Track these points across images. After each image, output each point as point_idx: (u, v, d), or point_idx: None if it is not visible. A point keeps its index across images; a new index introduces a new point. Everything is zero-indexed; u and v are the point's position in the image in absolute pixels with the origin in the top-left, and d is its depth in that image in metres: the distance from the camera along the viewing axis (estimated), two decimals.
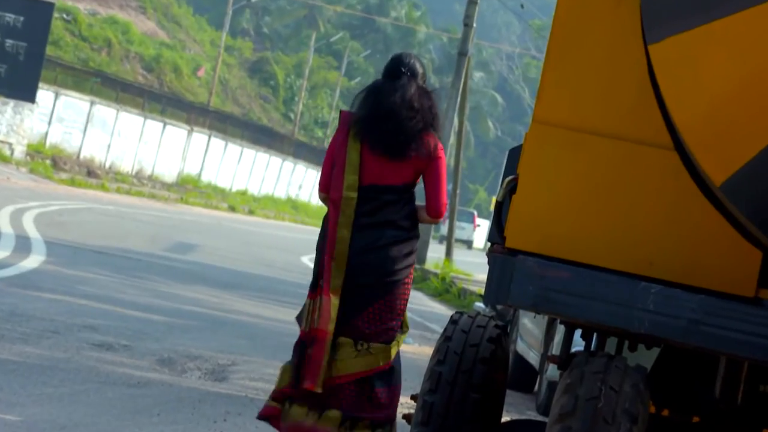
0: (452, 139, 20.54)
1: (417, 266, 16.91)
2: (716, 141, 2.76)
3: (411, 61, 3.83)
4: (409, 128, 3.70)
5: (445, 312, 12.88)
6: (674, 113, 2.78)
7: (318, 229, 3.92)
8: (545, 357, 6.48)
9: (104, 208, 18.46)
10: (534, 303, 2.83)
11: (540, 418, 6.22)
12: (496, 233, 2.98)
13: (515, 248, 2.88)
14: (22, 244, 10.05)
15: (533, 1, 31.84)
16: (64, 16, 32.43)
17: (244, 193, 35.11)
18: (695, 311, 2.77)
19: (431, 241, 21.72)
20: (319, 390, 3.70)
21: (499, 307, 7.94)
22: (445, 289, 15.62)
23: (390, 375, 3.78)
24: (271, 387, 5.60)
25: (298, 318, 3.85)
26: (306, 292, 3.87)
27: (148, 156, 29.58)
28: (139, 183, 27.96)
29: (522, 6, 18.47)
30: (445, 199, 3.77)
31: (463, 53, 18.92)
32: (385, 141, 3.70)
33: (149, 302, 8.11)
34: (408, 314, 3.89)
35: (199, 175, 32.66)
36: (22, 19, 22.27)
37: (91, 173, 25.58)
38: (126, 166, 28.55)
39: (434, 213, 3.76)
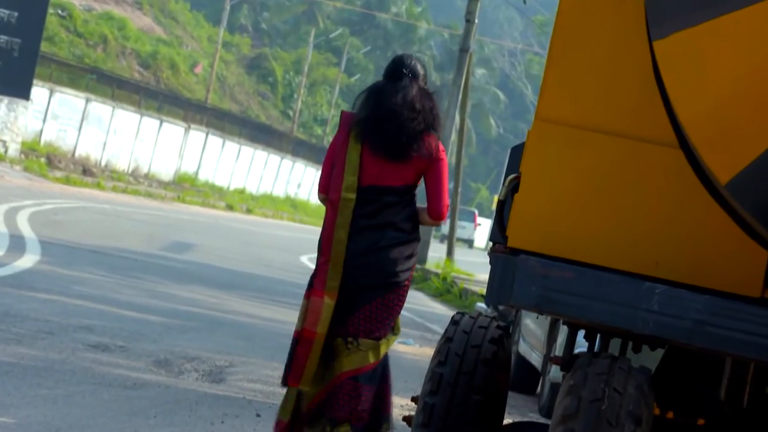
0: (453, 137, 20.53)
1: (418, 266, 16.91)
2: (722, 139, 2.73)
3: (412, 63, 3.84)
4: (411, 129, 3.71)
5: (446, 312, 12.86)
6: (679, 110, 2.76)
7: (317, 229, 3.91)
8: (548, 358, 6.46)
9: (100, 207, 18.43)
10: (536, 303, 2.82)
11: (542, 420, 6.20)
12: (498, 232, 2.96)
13: (517, 248, 2.87)
14: (17, 244, 10.01)
15: None
16: (59, 11, 32.33)
17: (242, 191, 35.09)
18: (700, 312, 2.76)
19: (432, 240, 21.70)
20: (304, 388, 3.69)
21: (501, 307, 7.92)
22: (446, 290, 15.59)
23: (374, 373, 3.76)
24: (270, 389, 5.59)
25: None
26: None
27: (145, 154, 29.54)
28: (136, 181, 27.91)
29: (524, 1, 18.41)
30: (446, 201, 3.78)
31: (464, 49, 18.86)
32: (386, 142, 3.71)
33: (145, 302, 8.07)
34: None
35: (197, 173, 32.63)
36: (16, 14, 22.15)
37: (86, 171, 25.51)
38: (122, 164, 28.50)
39: (435, 215, 3.77)
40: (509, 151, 3.13)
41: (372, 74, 49.54)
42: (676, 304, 2.75)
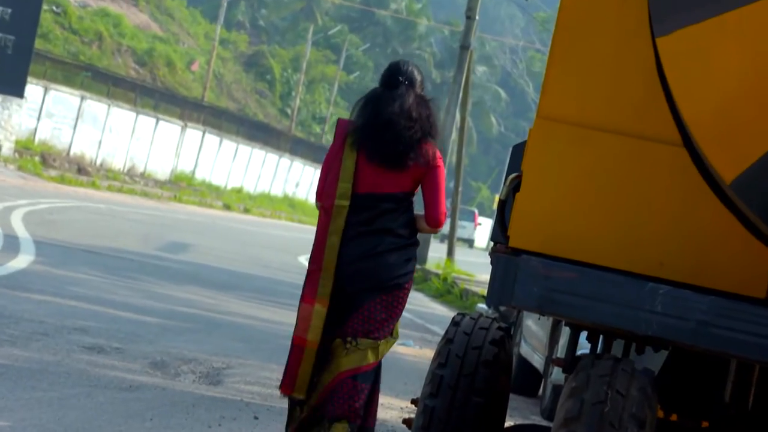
0: (454, 136, 20.47)
1: (418, 266, 16.86)
2: (726, 137, 2.70)
3: (409, 69, 3.83)
4: (407, 138, 3.72)
5: (446, 313, 12.83)
6: (683, 108, 2.73)
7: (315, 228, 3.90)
8: (550, 360, 6.43)
9: (95, 207, 18.38)
10: (538, 304, 2.80)
11: (544, 422, 6.17)
12: (500, 232, 2.93)
13: (519, 248, 2.85)
14: (11, 244, 9.96)
15: None
16: (54, 8, 32.21)
17: (239, 191, 35.05)
18: (704, 313, 2.73)
19: (432, 240, 21.67)
20: (298, 396, 3.69)
21: (502, 308, 7.89)
22: (446, 290, 15.56)
23: (372, 374, 3.75)
24: (268, 391, 5.55)
25: None
26: None
27: (141, 153, 29.47)
28: (131, 180, 27.85)
29: None
30: (444, 208, 3.80)
31: (465, 47, 18.81)
32: (383, 151, 3.73)
33: (142, 303, 8.03)
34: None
35: (193, 172, 32.58)
36: (9, 11, 22.04)
37: (81, 170, 25.42)
38: (117, 163, 28.43)
39: (433, 222, 3.79)
40: (510, 149, 3.10)
41: (371, 72, 49.45)
42: (680, 305, 2.73)
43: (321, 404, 3.70)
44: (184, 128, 31.54)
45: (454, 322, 3.27)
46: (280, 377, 3.83)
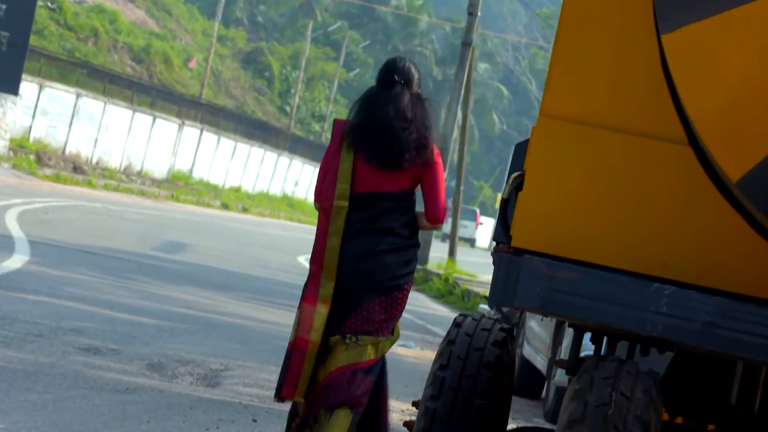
0: (456, 134, 20.45)
1: (419, 267, 16.80)
2: (732, 135, 2.67)
3: (405, 66, 3.80)
4: (403, 139, 3.72)
5: (448, 314, 12.76)
6: (688, 106, 2.70)
7: (315, 228, 3.87)
8: (553, 361, 6.38)
9: (91, 206, 18.33)
10: (541, 305, 2.79)
11: (547, 425, 6.16)
12: (502, 232, 2.90)
13: (521, 248, 2.84)
14: (5, 244, 9.92)
15: None
16: (49, 4, 32.11)
17: (237, 190, 34.99)
18: (710, 314, 2.71)
19: (434, 240, 21.60)
20: (299, 400, 3.66)
21: (504, 309, 7.85)
22: (448, 291, 15.51)
23: (374, 367, 3.72)
24: (267, 393, 5.50)
25: None
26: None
27: (137, 151, 29.40)
28: (128, 179, 27.79)
29: None
30: (443, 204, 3.80)
31: (467, 43, 18.78)
32: (379, 152, 3.73)
33: (138, 304, 7.99)
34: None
35: (191, 171, 32.52)
36: (4, 7, 21.94)
37: (77, 169, 25.35)
38: (114, 162, 28.35)
39: (433, 219, 3.77)
40: (513, 148, 3.07)
41: (371, 69, 49.28)
42: (685, 306, 2.72)
43: (315, 399, 3.66)
44: (181, 126, 31.47)
45: (456, 323, 3.25)
46: (276, 386, 3.78)
